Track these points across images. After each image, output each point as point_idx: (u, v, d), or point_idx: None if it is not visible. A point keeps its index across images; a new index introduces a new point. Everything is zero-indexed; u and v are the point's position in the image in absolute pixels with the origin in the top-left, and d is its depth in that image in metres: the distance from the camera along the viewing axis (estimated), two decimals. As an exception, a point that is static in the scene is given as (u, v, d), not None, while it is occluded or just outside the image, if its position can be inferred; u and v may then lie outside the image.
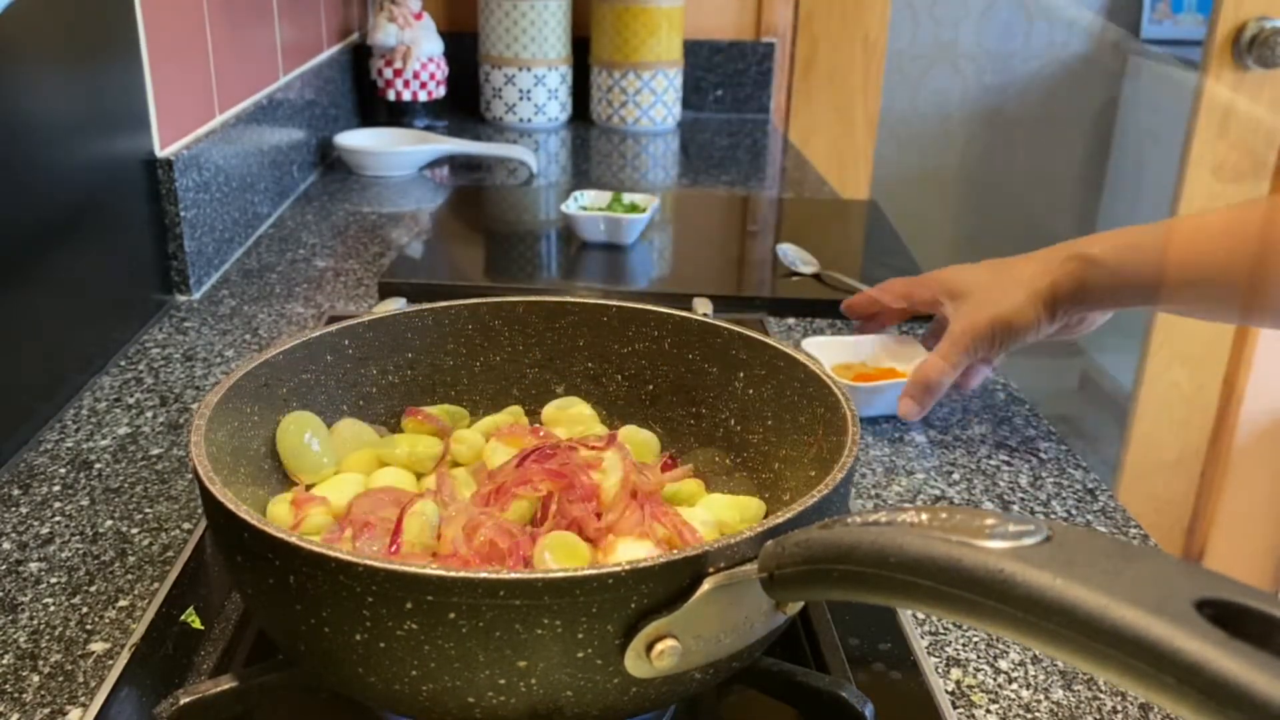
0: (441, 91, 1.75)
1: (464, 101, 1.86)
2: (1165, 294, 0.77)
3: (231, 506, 0.44)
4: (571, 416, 0.65)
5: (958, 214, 2.79)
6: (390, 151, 1.54)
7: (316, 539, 0.50)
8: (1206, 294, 0.77)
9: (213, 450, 0.51)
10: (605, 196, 1.23)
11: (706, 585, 0.42)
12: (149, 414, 0.84)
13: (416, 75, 1.70)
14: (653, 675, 0.43)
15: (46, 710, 0.54)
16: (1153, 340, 2.03)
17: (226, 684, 0.50)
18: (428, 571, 0.40)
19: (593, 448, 0.59)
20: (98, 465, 0.77)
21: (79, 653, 0.59)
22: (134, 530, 0.70)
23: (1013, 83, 2.79)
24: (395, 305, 0.67)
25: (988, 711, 0.57)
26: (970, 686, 0.59)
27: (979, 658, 0.61)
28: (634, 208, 1.21)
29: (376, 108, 1.75)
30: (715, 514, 0.57)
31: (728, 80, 1.97)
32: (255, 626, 0.58)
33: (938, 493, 0.78)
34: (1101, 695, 0.59)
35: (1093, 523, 0.75)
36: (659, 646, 0.42)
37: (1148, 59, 2.70)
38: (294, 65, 1.46)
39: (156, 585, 0.64)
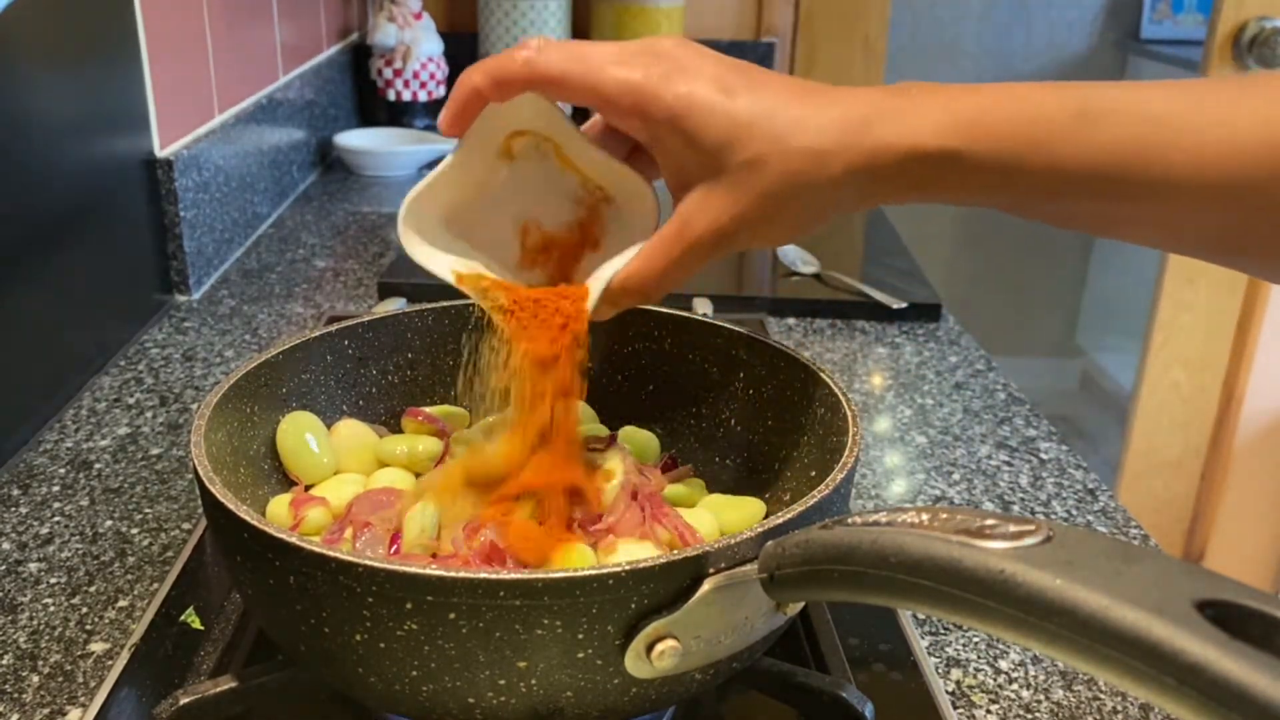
0: (441, 91, 1.74)
1: (464, 101, 1.86)
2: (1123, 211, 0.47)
3: (231, 506, 0.44)
4: (571, 417, 0.65)
5: (958, 214, 2.79)
6: (390, 151, 1.54)
7: (316, 539, 0.50)
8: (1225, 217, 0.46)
9: (213, 450, 0.51)
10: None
11: (707, 586, 0.42)
12: (149, 414, 0.84)
13: (416, 75, 1.70)
14: (653, 676, 0.43)
15: (46, 710, 0.54)
16: (1153, 341, 2.03)
17: (226, 684, 0.50)
18: (428, 572, 0.40)
19: (593, 448, 0.59)
20: (97, 465, 0.77)
21: (79, 653, 0.58)
22: (134, 530, 0.70)
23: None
24: (395, 305, 0.67)
25: (988, 712, 0.57)
26: (970, 687, 0.59)
27: (979, 658, 0.61)
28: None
29: (376, 108, 1.75)
30: (716, 514, 0.57)
31: (728, 80, 1.96)
32: (255, 626, 0.58)
33: (938, 493, 0.78)
34: (1102, 696, 0.59)
35: (1093, 523, 0.75)
36: (659, 647, 0.42)
37: (1148, 59, 2.70)
38: (294, 65, 1.46)
39: (156, 585, 0.64)
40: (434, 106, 1.74)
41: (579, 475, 0.54)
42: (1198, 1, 2.69)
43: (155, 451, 0.79)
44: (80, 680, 0.57)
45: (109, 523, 0.70)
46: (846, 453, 0.50)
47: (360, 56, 1.76)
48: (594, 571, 0.40)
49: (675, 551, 0.42)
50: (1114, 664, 0.30)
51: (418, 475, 0.60)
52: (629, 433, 0.64)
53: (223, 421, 0.54)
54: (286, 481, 0.59)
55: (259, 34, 1.32)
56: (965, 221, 2.82)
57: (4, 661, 0.58)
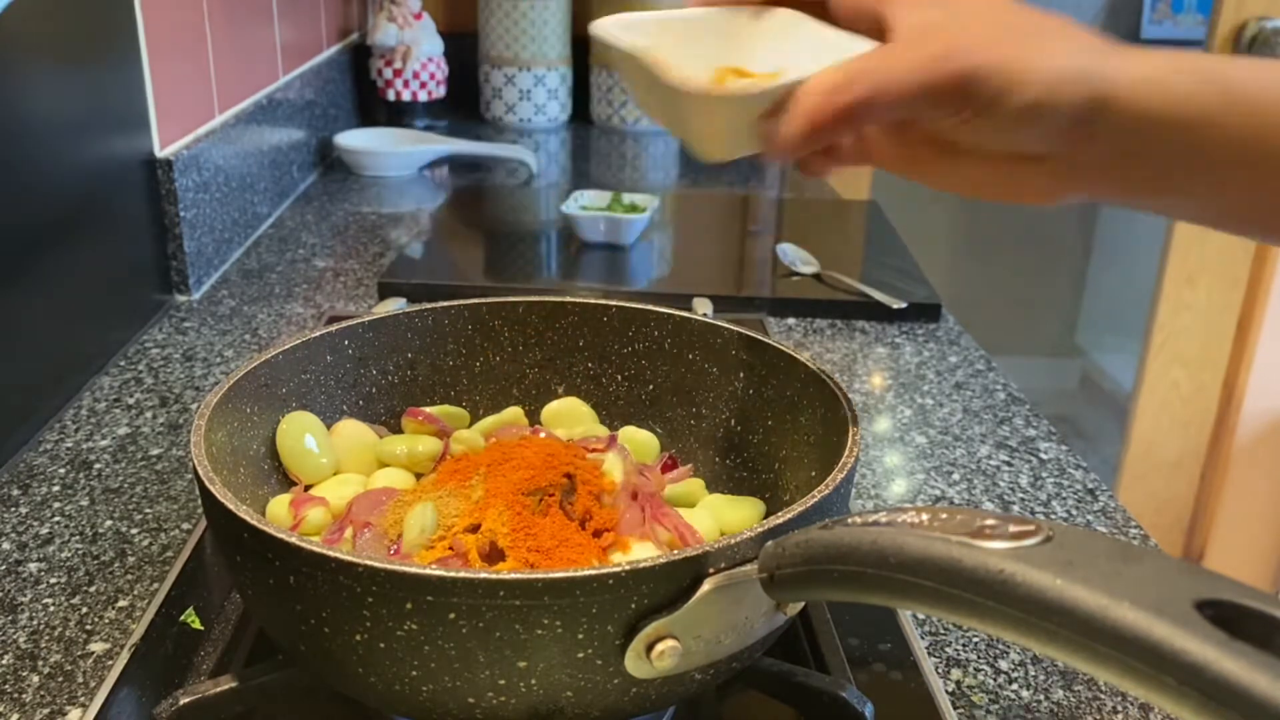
0: (441, 91, 1.75)
1: (464, 101, 1.86)
2: None
3: (231, 506, 0.44)
4: (571, 416, 0.65)
5: (957, 215, 2.79)
6: (390, 151, 1.54)
7: (316, 539, 0.50)
8: None
9: (213, 450, 0.51)
10: (605, 197, 1.23)
11: (707, 586, 0.42)
12: (149, 414, 0.84)
13: (416, 75, 1.70)
14: (653, 676, 0.43)
15: (46, 710, 0.54)
16: (1153, 341, 2.03)
17: (226, 684, 0.50)
18: (428, 571, 0.40)
19: (593, 449, 0.59)
20: (97, 465, 0.77)
21: (79, 653, 0.59)
22: (134, 530, 0.70)
23: (1013, 83, 2.78)
24: (395, 305, 0.67)
25: (988, 712, 0.57)
26: (970, 687, 0.59)
27: (979, 658, 0.61)
28: (634, 208, 1.21)
29: (376, 108, 1.75)
30: (716, 514, 0.57)
31: (728, 80, 1.96)
32: (255, 626, 0.58)
33: (938, 493, 0.78)
34: (1102, 695, 0.59)
35: (1093, 523, 0.75)
36: (659, 647, 0.42)
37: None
38: (294, 65, 1.46)
39: (156, 585, 0.64)
40: (433, 106, 1.74)
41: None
42: (1198, 2, 2.69)
43: (155, 451, 0.79)
44: (80, 680, 0.57)
45: (109, 523, 0.70)
46: (846, 453, 0.50)
47: (360, 56, 1.76)
48: (594, 571, 0.40)
49: (675, 551, 0.42)
50: (1114, 664, 0.30)
51: (418, 475, 0.60)
52: (629, 433, 0.64)
53: (223, 421, 0.54)
54: (286, 481, 0.59)
55: (259, 34, 1.32)
56: (965, 221, 2.82)
57: (4, 661, 0.58)
